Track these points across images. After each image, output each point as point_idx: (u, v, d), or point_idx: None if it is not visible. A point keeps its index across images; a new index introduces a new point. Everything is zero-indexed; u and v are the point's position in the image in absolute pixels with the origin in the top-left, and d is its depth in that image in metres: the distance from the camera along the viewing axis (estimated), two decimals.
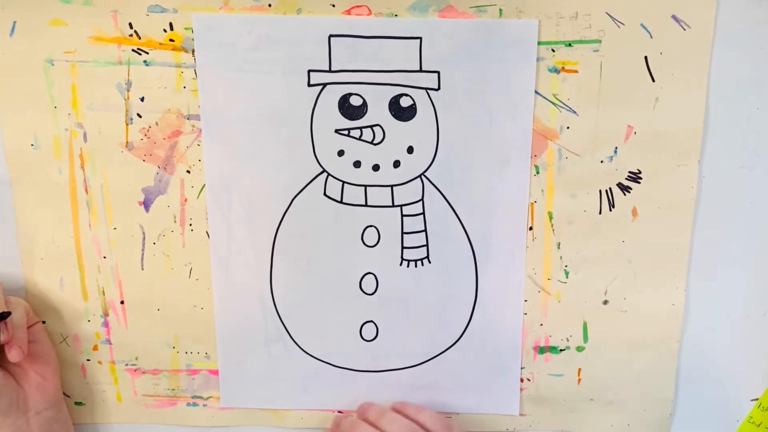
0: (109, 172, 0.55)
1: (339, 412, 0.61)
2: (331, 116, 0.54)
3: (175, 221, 0.56)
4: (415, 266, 0.57)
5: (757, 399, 0.60)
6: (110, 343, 0.59)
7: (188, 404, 0.61)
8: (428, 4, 0.52)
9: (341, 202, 0.56)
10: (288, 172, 0.55)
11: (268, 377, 0.59)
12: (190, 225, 0.56)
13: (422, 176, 0.55)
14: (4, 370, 0.54)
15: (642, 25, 0.52)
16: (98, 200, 0.56)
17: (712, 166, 0.55)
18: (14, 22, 0.52)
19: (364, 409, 0.58)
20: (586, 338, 0.59)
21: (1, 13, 0.52)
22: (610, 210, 0.56)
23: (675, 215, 0.56)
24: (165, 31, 0.52)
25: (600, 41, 0.52)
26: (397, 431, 0.55)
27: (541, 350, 0.59)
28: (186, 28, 0.52)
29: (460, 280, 0.57)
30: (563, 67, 0.53)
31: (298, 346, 0.59)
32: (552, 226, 0.56)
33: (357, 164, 0.55)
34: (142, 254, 0.57)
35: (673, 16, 0.52)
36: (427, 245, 0.56)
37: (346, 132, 0.54)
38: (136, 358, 0.59)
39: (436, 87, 0.53)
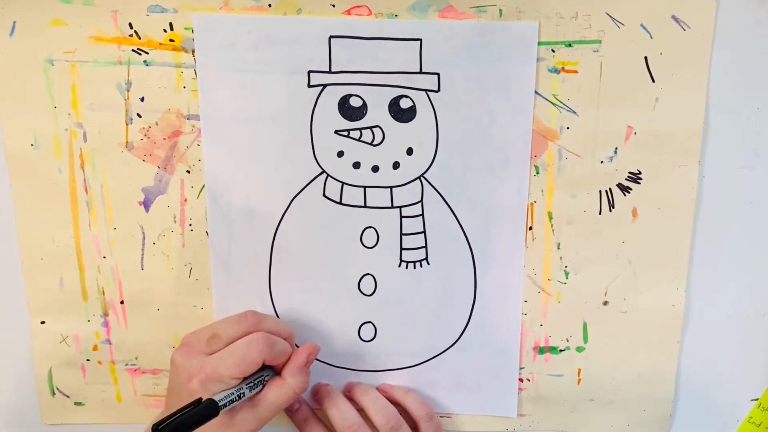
0: (109, 172, 0.55)
1: None
2: (330, 117, 0.54)
3: (175, 221, 0.56)
4: (414, 267, 0.57)
5: (757, 399, 0.60)
6: (110, 343, 0.59)
7: None
8: (428, 4, 0.52)
9: (340, 203, 0.56)
10: (287, 172, 0.55)
11: None
12: (190, 225, 0.56)
13: (421, 177, 0.55)
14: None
15: (642, 25, 0.52)
16: (98, 200, 0.56)
17: (712, 166, 0.55)
18: (14, 22, 0.52)
19: (351, 385, 0.59)
20: (586, 338, 0.59)
21: (1, 13, 0.52)
22: (610, 210, 0.56)
23: (675, 215, 0.56)
24: (165, 31, 0.52)
25: (600, 41, 0.52)
26: (376, 410, 0.56)
27: (541, 350, 0.59)
28: (186, 28, 0.52)
29: (458, 281, 0.57)
30: (563, 68, 0.53)
31: (297, 346, 0.59)
32: (552, 226, 0.56)
33: (356, 165, 0.55)
34: (142, 254, 0.57)
35: (673, 17, 0.52)
36: (426, 246, 0.56)
37: (345, 133, 0.54)
38: (136, 358, 0.59)
39: (436, 89, 0.53)
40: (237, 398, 0.49)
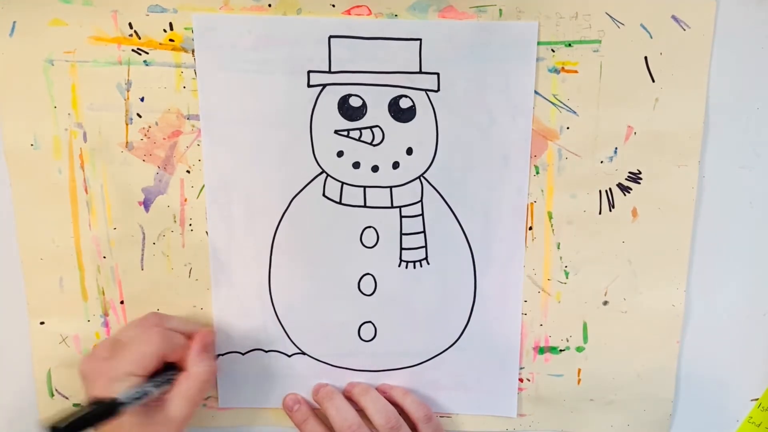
0: (108, 172, 0.55)
1: None
2: (330, 117, 0.54)
3: (175, 221, 0.56)
4: (414, 267, 0.57)
5: (757, 399, 0.60)
6: None
7: None
8: (428, 4, 0.52)
9: (340, 202, 0.56)
10: (287, 172, 0.55)
11: (267, 378, 0.59)
12: (190, 225, 0.56)
13: (421, 177, 0.55)
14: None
15: (642, 25, 0.52)
16: (98, 200, 0.56)
17: (712, 166, 0.55)
18: (14, 22, 0.52)
19: (351, 385, 0.59)
20: (586, 338, 0.59)
21: (1, 13, 0.52)
22: (610, 210, 0.56)
23: (675, 215, 0.56)
24: (165, 31, 0.53)
25: (600, 41, 0.52)
26: (376, 410, 0.56)
27: (541, 350, 0.59)
28: (186, 28, 0.52)
29: (458, 281, 0.57)
30: (563, 68, 0.53)
31: (297, 347, 0.59)
32: (552, 226, 0.56)
33: (356, 165, 0.55)
34: (142, 254, 0.57)
35: (673, 17, 0.52)
36: (425, 246, 0.56)
37: (345, 133, 0.54)
38: None
39: (436, 88, 0.53)
40: (143, 395, 0.50)
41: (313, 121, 0.54)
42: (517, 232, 0.56)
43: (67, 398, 0.60)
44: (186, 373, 0.53)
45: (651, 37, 0.52)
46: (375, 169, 0.55)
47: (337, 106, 0.54)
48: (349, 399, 0.58)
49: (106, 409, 0.48)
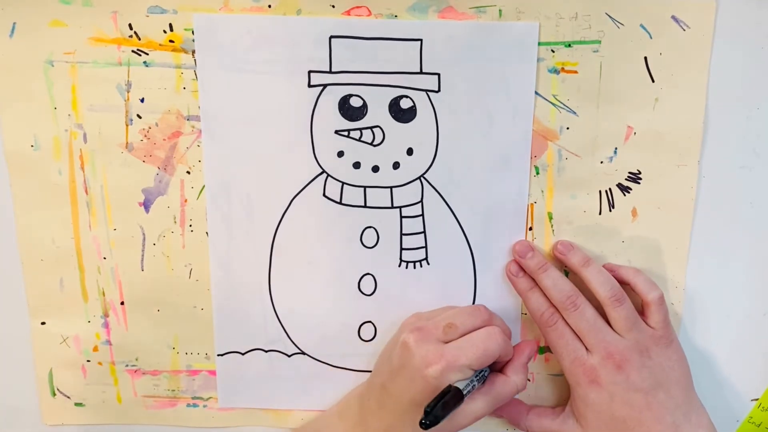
0: (109, 173, 0.55)
1: None
2: (331, 117, 0.54)
3: (175, 222, 0.56)
4: (414, 267, 0.57)
5: (757, 399, 0.60)
6: (110, 344, 0.59)
7: (188, 405, 0.61)
8: (428, 4, 0.52)
9: (340, 202, 0.56)
10: (287, 172, 0.55)
11: (267, 378, 0.60)
12: (190, 226, 0.56)
13: (422, 178, 0.55)
14: None
15: (642, 25, 0.52)
16: (98, 201, 0.56)
17: (712, 166, 0.55)
18: (14, 23, 0.52)
19: (564, 249, 0.56)
20: None
21: (1, 13, 0.52)
22: (610, 210, 0.56)
23: (675, 215, 0.56)
24: (165, 32, 0.53)
25: (600, 42, 0.52)
26: (599, 282, 0.54)
27: (541, 350, 0.59)
28: (186, 29, 0.52)
29: (458, 281, 0.57)
30: (563, 68, 0.53)
31: (297, 347, 0.59)
32: (552, 226, 0.56)
33: (356, 165, 0.55)
34: (142, 255, 0.57)
35: (673, 17, 0.52)
36: (425, 246, 0.57)
37: (346, 133, 0.54)
38: (136, 359, 0.59)
39: (437, 89, 0.53)
40: (471, 389, 0.50)
41: (314, 121, 0.54)
42: (517, 233, 0.56)
43: (68, 397, 0.60)
44: (503, 377, 0.53)
45: (651, 38, 0.52)
46: (375, 169, 0.55)
47: (337, 106, 0.54)
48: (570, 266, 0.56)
49: (456, 399, 0.48)
